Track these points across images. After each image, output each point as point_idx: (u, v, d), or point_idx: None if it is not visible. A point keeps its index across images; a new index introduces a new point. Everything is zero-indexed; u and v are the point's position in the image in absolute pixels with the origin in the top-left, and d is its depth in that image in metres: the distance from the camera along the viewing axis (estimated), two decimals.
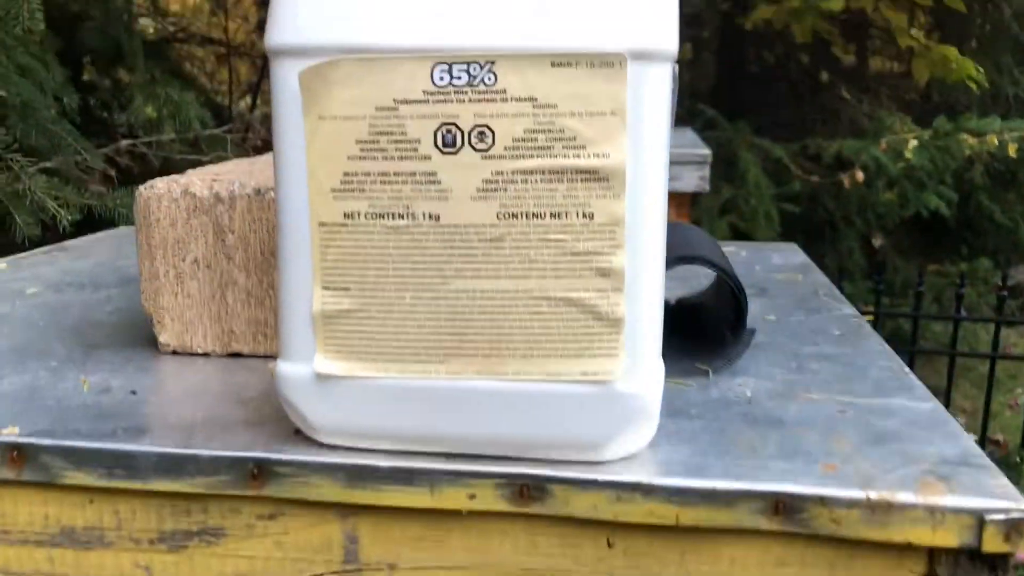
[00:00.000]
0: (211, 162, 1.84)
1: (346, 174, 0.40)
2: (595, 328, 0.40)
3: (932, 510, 0.40)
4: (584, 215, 0.40)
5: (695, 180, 1.79)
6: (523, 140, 0.39)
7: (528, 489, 0.42)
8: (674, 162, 1.95)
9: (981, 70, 2.98)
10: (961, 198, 3.19)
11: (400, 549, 0.44)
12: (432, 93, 0.39)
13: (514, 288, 0.40)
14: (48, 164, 1.38)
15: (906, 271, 3.36)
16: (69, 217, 1.31)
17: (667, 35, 0.39)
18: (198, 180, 0.58)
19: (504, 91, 0.39)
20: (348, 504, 0.43)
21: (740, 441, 0.45)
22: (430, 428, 0.42)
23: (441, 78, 0.39)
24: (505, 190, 0.40)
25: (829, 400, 0.51)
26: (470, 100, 0.39)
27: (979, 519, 0.39)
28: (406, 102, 0.39)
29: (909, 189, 3.07)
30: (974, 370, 3.41)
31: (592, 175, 0.39)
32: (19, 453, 0.45)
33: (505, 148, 0.39)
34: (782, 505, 0.40)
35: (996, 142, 2.93)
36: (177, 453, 0.44)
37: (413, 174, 0.40)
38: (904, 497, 0.40)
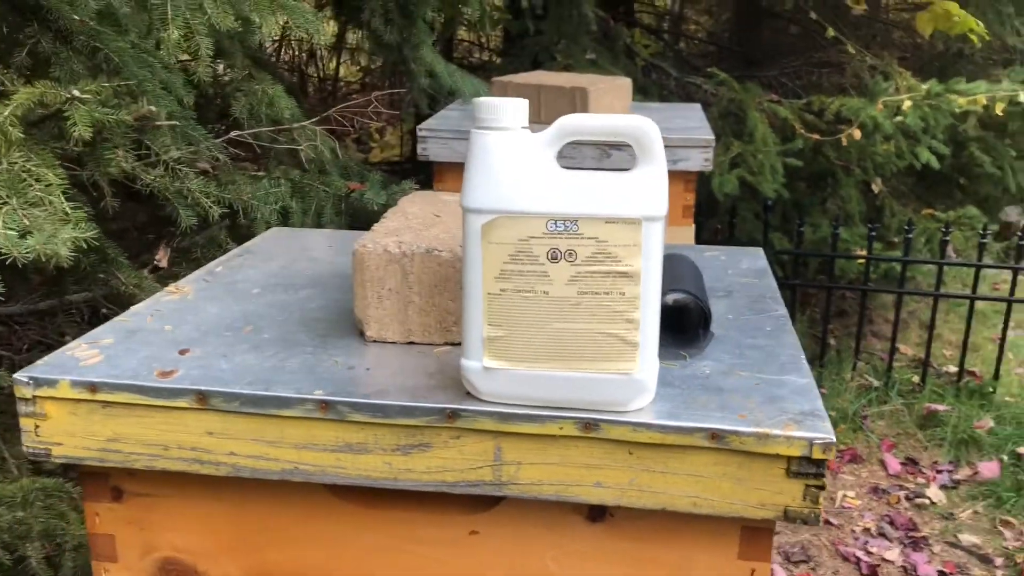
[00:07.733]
0: (303, 151, 2.24)
1: (502, 270, 0.81)
2: (624, 348, 0.81)
3: (789, 439, 0.81)
4: (620, 293, 0.80)
5: (700, 161, 2.14)
6: (591, 257, 0.79)
7: (589, 425, 0.83)
8: (682, 146, 2.29)
9: (980, 24, 3.28)
10: (955, 148, 3.51)
11: (523, 455, 0.86)
12: (546, 234, 0.79)
13: (585, 328, 0.81)
14: (199, 167, 1.78)
15: (903, 215, 3.70)
16: (217, 210, 1.72)
17: (660, 207, 0.79)
18: (391, 241, 0.98)
19: (583, 234, 0.79)
20: (498, 431, 0.85)
21: (697, 401, 0.87)
22: (542, 395, 0.84)
23: (550, 226, 0.79)
24: (583, 280, 0.80)
25: (751, 376, 0.92)
26: (565, 237, 0.79)
27: (810, 443, 0.81)
28: (532, 238, 0.80)
29: (904, 143, 3.39)
30: (963, 307, 3.74)
31: (624, 275, 0.80)
32: (325, 405, 0.87)
33: (582, 260, 0.80)
34: (716, 435, 0.82)
35: (984, 102, 3.23)
36: (409, 405, 0.86)
37: (535, 271, 0.80)
38: (777, 432, 0.81)
